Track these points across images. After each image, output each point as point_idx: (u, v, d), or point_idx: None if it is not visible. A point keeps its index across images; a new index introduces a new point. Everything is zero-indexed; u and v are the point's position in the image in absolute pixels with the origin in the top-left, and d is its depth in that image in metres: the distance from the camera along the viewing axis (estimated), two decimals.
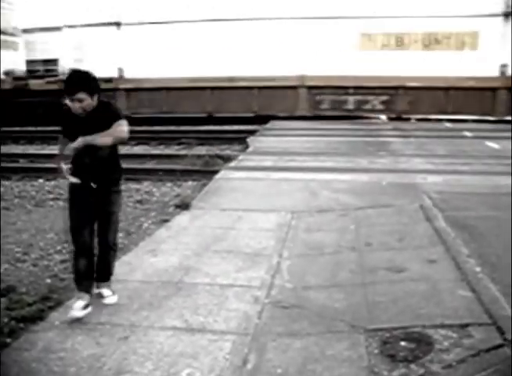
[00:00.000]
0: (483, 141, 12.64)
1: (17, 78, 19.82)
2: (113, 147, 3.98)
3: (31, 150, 14.25)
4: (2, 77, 19.41)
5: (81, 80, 3.77)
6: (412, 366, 3.16)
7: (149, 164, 11.36)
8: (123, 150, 13.30)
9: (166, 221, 6.66)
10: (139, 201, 8.17)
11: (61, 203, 8.25)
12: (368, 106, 17.90)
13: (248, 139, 13.63)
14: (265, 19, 17.40)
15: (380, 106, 17.80)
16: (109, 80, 18.21)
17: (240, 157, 11.09)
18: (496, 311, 3.67)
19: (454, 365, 3.12)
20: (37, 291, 4.58)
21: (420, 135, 14.14)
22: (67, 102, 3.78)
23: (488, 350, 3.20)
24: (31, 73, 20.74)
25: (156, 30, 18.15)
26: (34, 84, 19.65)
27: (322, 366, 3.22)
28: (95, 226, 4.03)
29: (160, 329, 3.71)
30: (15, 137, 15.80)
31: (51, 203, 8.26)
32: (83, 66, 15.11)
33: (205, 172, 9.87)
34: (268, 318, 3.87)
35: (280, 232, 5.91)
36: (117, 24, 18.76)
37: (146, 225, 6.75)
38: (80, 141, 3.73)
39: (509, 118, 16.04)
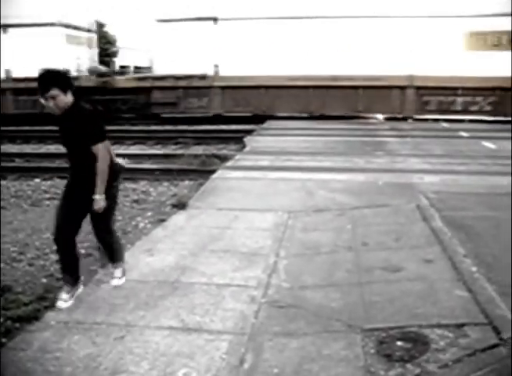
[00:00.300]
0: (479, 141, 12.67)
1: (102, 75, 19.74)
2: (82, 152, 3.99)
3: (27, 149, 14.21)
4: (86, 74, 19.37)
5: (52, 77, 3.82)
6: (409, 365, 3.16)
7: (146, 164, 11.34)
8: (119, 149, 13.41)
9: (162, 220, 6.65)
10: (136, 201, 8.16)
11: (57, 202, 8.23)
12: (475, 108, 17.38)
13: (245, 139, 13.63)
14: (369, 17, 16.92)
15: (487, 108, 17.26)
16: (203, 77, 18.03)
17: (237, 157, 11.08)
18: (492, 311, 3.68)
19: (450, 365, 3.12)
20: (33, 290, 4.57)
21: (417, 135, 14.17)
22: (42, 101, 3.83)
23: (484, 350, 3.20)
24: (122, 69, 20.40)
25: (254, 26, 17.56)
26: (121, 81, 19.42)
27: (319, 366, 3.21)
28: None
29: (156, 329, 3.70)
30: (11, 136, 15.75)
31: (47, 202, 8.23)
32: (176, 63, 15.99)
33: (202, 172, 9.87)
34: (264, 318, 3.87)
35: (277, 231, 5.91)
36: (214, 19, 18.08)
37: (142, 224, 6.74)
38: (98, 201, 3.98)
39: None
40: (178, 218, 6.64)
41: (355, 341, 3.48)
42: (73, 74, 18.57)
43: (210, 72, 18.30)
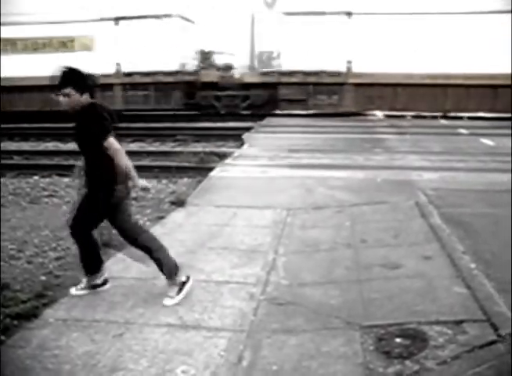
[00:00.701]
0: (478, 138, 12.68)
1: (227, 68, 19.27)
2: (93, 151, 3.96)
3: (26, 146, 14.19)
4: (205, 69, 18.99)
5: (69, 75, 3.81)
6: (407, 362, 3.16)
7: (145, 161, 11.32)
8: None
9: (161, 218, 6.64)
10: (134, 198, 8.11)
11: (56, 200, 8.23)
12: None
13: (244, 136, 13.62)
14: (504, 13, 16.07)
15: None
16: (336, 74, 17.48)
17: (236, 154, 11.08)
18: (491, 307, 3.68)
19: (449, 361, 3.13)
20: (31, 288, 4.56)
21: (416, 132, 14.17)
22: (53, 96, 3.85)
23: (482, 346, 3.21)
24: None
25: (389, 22, 16.79)
26: (245, 76, 18.82)
27: (318, 363, 3.22)
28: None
29: (155, 326, 3.70)
30: (10, 134, 15.72)
31: (46, 200, 8.22)
32: (307, 59, 15.58)
33: (200, 169, 9.86)
34: (263, 315, 3.87)
35: (276, 228, 5.91)
36: (348, 14, 17.42)
37: (141, 222, 6.71)
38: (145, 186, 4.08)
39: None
40: (177, 215, 6.64)
41: (353, 338, 3.48)
42: (193, 68, 18.34)
43: (341, 68, 17.64)
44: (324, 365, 3.20)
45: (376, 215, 6.33)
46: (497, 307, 3.69)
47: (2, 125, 16.37)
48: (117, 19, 18.24)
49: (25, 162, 11.42)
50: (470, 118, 17.16)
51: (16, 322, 3.85)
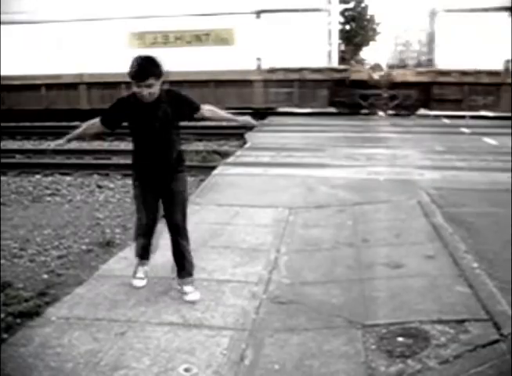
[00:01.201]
0: (481, 137, 12.66)
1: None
2: (176, 131, 4.10)
3: (28, 145, 14.21)
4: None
5: (151, 65, 3.78)
6: (409, 361, 3.16)
7: None
8: (121, 145, 13.41)
9: (163, 216, 6.63)
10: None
11: (58, 198, 8.25)
12: None
13: (246, 135, 13.62)
14: None
15: None
16: (495, 73, 16.83)
17: (238, 153, 11.08)
18: (493, 306, 3.68)
19: (451, 360, 3.12)
20: (33, 286, 4.58)
21: (418, 131, 14.15)
22: (135, 88, 3.78)
23: (484, 345, 3.20)
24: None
25: None
26: (399, 75, 18.10)
27: (320, 362, 3.22)
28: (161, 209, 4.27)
29: (157, 324, 3.71)
30: (11, 132, 15.75)
31: (48, 198, 8.24)
32: (464, 58, 14.95)
33: (202, 168, 9.88)
34: (265, 313, 3.87)
35: (278, 227, 5.91)
36: (509, 9, 16.46)
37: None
38: (247, 119, 4.40)
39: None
40: None
41: (355, 337, 3.48)
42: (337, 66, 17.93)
43: (498, 67, 16.93)
44: (326, 364, 3.20)
45: (378, 214, 6.32)
46: (499, 306, 3.68)
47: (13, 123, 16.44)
48: (258, 13, 17.73)
49: (27, 161, 11.44)
50: (472, 117, 17.14)
51: (18, 320, 3.87)
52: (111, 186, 9.02)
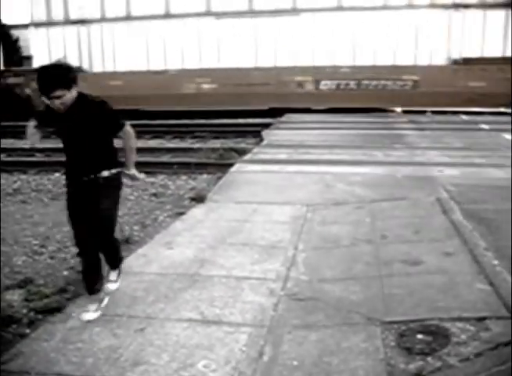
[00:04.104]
0: (500, 133, 12.51)
1: None
2: (107, 140, 3.80)
3: (48, 144, 14.32)
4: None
5: (56, 75, 3.43)
6: (429, 359, 3.13)
7: (164, 158, 11.39)
8: (138, 143, 13.45)
9: (181, 214, 6.68)
10: (155, 194, 8.20)
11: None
12: None
13: (263, 132, 13.62)
14: None
15: None
16: None
17: (255, 150, 11.09)
18: None
19: (472, 358, 3.09)
20: (54, 283, 4.62)
21: (436, 127, 14.03)
22: (44, 100, 3.47)
23: (506, 344, 3.16)
24: None
25: None
26: None
27: (339, 359, 3.21)
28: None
29: (176, 321, 3.73)
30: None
31: None
32: None
33: (220, 165, 9.89)
34: (283, 310, 3.87)
35: (295, 224, 5.90)
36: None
37: (161, 218, 6.77)
38: (135, 175, 3.92)
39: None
40: (197, 211, 6.67)
41: (374, 333, 3.46)
42: None
43: None
44: (345, 361, 3.19)
45: (397, 211, 6.28)
46: None
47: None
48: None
49: (46, 159, 11.55)
50: (491, 113, 16.93)
51: (40, 316, 3.91)
52: (129, 183, 9.06)
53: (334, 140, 12.13)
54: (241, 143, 13.47)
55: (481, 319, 3.48)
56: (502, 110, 17.20)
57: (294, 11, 19.13)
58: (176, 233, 5.75)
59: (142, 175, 4.00)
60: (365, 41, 18.97)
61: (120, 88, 18.71)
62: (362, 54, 19.07)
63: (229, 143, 13.34)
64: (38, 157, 11.86)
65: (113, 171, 3.80)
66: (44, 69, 3.50)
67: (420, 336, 3.38)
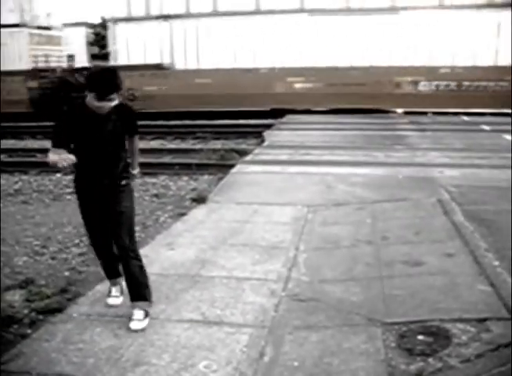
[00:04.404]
0: (501, 134, 12.50)
1: None
2: (122, 144, 3.79)
3: (49, 145, 14.33)
4: None
5: (116, 79, 3.48)
6: (430, 360, 3.14)
7: (166, 159, 11.40)
8: (139, 144, 13.48)
9: (182, 214, 6.69)
10: (156, 195, 8.21)
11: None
12: None
13: (264, 133, 13.62)
14: None
15: None
16: None
17: (256, 151, 11.09)
18: None
19: (472, 359, 3.09)
20: (55, 283, 4.64)
21: (437, 128, 14.02)
22: (93, 101, 3.45)
23: (507, 345, 3.16)
24: None
25: None
26: None
27: (339, 360, 3.21)
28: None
29: (177, 321, 3.73)
30: (33, 132, 15.96)
31: (68, 197, 8.31)
32: None
33: (221, 166, 9.90)
34: (284, 311, 3.87)
35: (296, 225, 5.91)
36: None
37: (162, 218, 6.78)
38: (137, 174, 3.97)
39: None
40: (198, 212, 6.67)
41: (375, 334, 3.46)
42: None
43: None
44: (345, 362, 3.19)
45: (398, 212, 6.28)
46: None
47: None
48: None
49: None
50: (492, 114, 16.92)
51: (41, 316, 3.92)
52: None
53: (335, 141, 12.12)
54: (242, 144, 13.48)
55: (482, 320, 3.49)
56: (503, 111, 17.14)
57: (393, 9, 18.19)
58: (177, 234, 5.75)
59: (137, 170, 4.02)
60: (465, 41, 17.92)
61: (207, 86, 18.23)
62: (460, 54, 18.00)
63: (230, 144, 13.35)
64: (39, 158, 11.86)
65: (133, 172, 3.94)
66: (105, 71, 3.57)
67: (420, 337, 3.38)
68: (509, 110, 16.74)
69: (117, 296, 4.05)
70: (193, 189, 8.45)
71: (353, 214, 6.31)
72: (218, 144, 13.39)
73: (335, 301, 3.99)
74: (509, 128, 13.34)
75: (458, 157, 9.81)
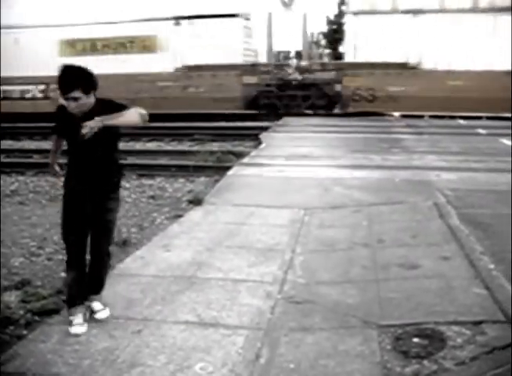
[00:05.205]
0: (497, 138, 12.54)
1: None
2: (113, 146, 3.72)
3: (46, 145, 14.32)
4: None
5: (75, 76, 3.40)
6: (425, 362, 3.15)
7: (162, 160, 11.40)
8: (136, 145, 13.50)
9: (179, 216, 6.69)
10: (152, 197, 8.21)
11: None
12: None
13: (261, 136, 13.63)
14: None
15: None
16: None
17: (253, 154, 11.10)
18: (511, 309, 3.65)
19: (467, 362, 3.10)
20: (51, 284, 4.63)
21: (433, 132, 14.06)
22: (61, 101, 3.47)
23: (502, 348, 3.18)
24: None
25: None
26: None
27: (335, 362, 3.22)
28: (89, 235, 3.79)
29: (173, 323, 3.73)
30: (30, 133, 15.94)
31: None
32: None
33: (218, 168, 9.90)
34: (280, 313, 3.88)
35: (293, 228, 5.91)
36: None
37: (159, 220, 6.79)
38: (98, 120, 3.30)
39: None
40: (195, 214, 6.68)
41: (371, 337, 3.47)
42: None
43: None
44: (341, 364, 3.20)
45: (394, 215, 6.30)
46: None
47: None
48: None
49: (44, 161, 11.53)
50: (488, 118, 16.97)
51: (37, 317, 3.92)
52: (127, 185, 9.07)
53: (332, 144, 12.14)
54: (239, 146, 13.47)
55: (477, 323, 3.50)
56: (499, 115, 17.17)
57: None
58: (173, 236, 5.76)
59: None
60: None
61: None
62: None
63: (227, 146, 13.35)
64: (36, 159, 11.85)
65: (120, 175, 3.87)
66: (67, 68, 3.44)
67: (416, 339, 3.39)
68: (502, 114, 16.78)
69: (81, 324, 3.68)
70: (190, 191, 8.45)
71: (350, 216, 6.33)
72: (214, 146, 13.38)
73: (331, 303, 4.00)
74: (505, 131, 13.40)
75: (455, 160, 9.84)
